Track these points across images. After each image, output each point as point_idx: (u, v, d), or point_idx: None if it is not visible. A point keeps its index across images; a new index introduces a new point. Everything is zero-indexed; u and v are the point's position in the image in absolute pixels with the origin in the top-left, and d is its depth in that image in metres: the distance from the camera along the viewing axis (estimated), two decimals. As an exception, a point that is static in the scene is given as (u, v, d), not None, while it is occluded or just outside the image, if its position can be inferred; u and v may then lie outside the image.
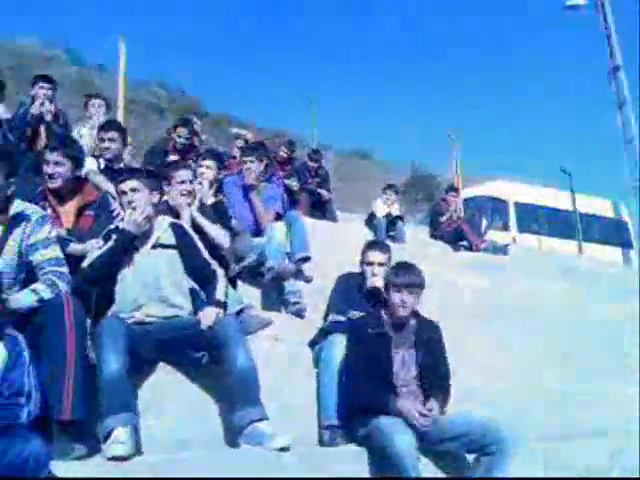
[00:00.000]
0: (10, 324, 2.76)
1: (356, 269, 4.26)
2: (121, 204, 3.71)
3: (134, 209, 3.55)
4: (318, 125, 16.95)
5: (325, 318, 3.93)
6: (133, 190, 3.62)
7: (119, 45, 7.12)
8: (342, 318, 3.66)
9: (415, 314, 3.60)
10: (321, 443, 3.57)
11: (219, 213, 4.88)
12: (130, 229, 3.51)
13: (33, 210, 3.23)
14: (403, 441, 3.05)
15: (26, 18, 50.91)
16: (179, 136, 7.29)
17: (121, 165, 5.13)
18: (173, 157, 6.78)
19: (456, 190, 10.30)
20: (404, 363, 3.47)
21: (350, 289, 3.94)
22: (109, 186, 4.49)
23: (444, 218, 9.32)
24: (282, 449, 3.05)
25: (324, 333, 3.73)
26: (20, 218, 3.15)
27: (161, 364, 3.50)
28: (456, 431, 3.28)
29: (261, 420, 3.12)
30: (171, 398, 3.43)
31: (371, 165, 30.48)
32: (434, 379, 3.47)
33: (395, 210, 9.13)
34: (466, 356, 4.64)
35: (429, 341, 3.54)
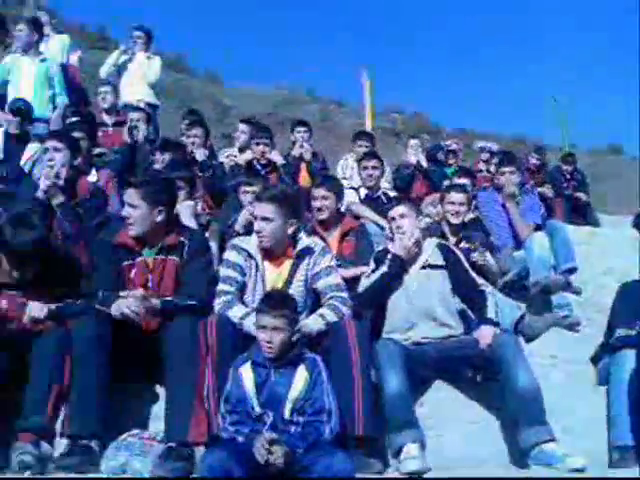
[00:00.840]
0: (305, 347, 3.05)
1: (640, 277, 3.93)
2: (390, 229, 3.89)
3: (403, 234, 3.70)
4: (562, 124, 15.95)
5: (609, 332, 3.67)
6: (402, 216, 3.79)
7: (361, 78, 7.49)
8: (632, 332, 3.39)
9: None
10: (611, 464, 3.33)
11: (477, 229, 4.88)
12: (401, 254, 3.66)
13: (315, 243, 3.55)
14: None
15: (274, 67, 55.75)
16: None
17: (379, 193, 5.45)
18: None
19: None
20: None
21: (637, 299, 3.64)
22: (371, 214, 4.82)
23: None
24: (577, 470, 2.91)
25: (610, 348, 3.49)
26: (305, 251, 3.47)
27: (437, 382, 3.57)
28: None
29: (549, 441, 3.02)
30: (450, 416, 3.47)
31: (621, 162, 27.83)
32: None
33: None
34: None
35: None
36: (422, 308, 3.59)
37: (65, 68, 6.83)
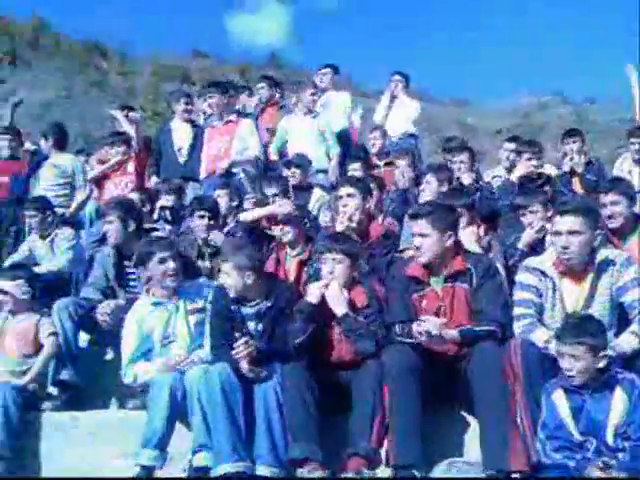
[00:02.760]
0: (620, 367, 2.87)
1: None
2: None
3: None
4: None
5: None
6: None
7: (628, 71, 6.87)
8: None
9: None
10: None
11: None
12: None
13: (616, 254, 3.34)
14: None
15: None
16: None
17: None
18: None
19: None
20: None
21: None
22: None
23: None
24: None
25: None
26: (606, 264, 3.28)
27: None
28: None
29: None
30: None
31: None
32: None
33: None
34: None
35: None
36: None
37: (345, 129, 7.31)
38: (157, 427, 3.38)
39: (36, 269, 4.84)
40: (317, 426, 3.28)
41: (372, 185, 4.93)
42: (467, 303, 3.43)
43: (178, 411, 3.43)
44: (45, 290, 4.41)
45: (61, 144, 6.34)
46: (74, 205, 6.05)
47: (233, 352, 3.40)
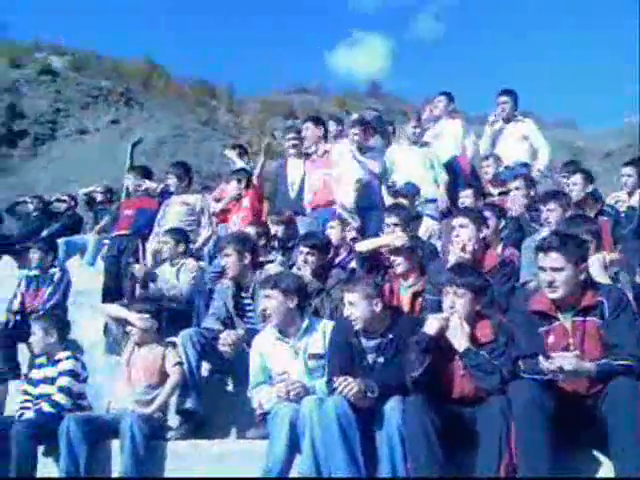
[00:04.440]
0: None
1: None
2: None
3: None
4: None
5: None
6: None
7: None
8: None
9: None
10: None
11: None
12: None
13: None
14: None
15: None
16: None
17: None
18: None
19: None
20: None
21: None
22: None
23: None
24: None
25: None
26: None
27: None
28: None
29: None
30: None
31: None
32: None
33: None
34: None
35: None
36: None
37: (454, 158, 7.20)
38: (278, 457, 3.40)
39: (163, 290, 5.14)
40: (439, 462, 3.18)
41: (488, 213, 4.80)
42: (599, 338, 3.24)
43: (298, 441, 3.43)
44: (170, 320, 4.60)
45: (189, 183, 6.64)
46: (200, 240, 6.27)
47: (337, 390, 3.37)
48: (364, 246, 4.94)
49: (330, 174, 6.56)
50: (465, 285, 3.45)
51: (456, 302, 3.45)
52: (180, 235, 5.68)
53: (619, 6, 53.76)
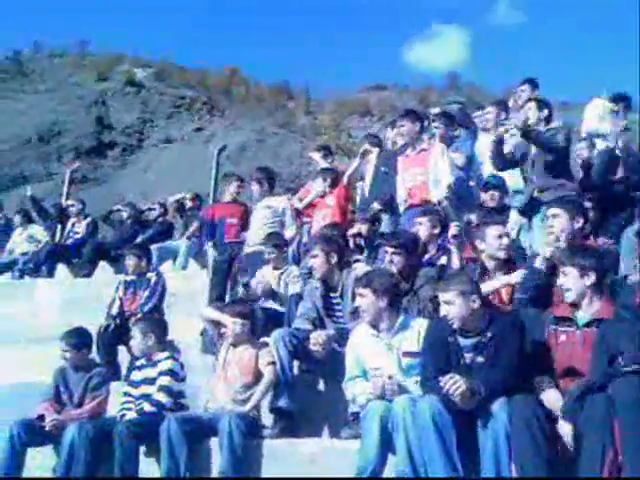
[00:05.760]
0: None
1: None
2: None
3: None
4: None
5: None
6: None
7: None
8: None
9: None
10: None
11: None
12: None
13: None
14: None
15: None
16: None
17: None
18: None
19: None
20: None
21: None
22: None
23: None
24: None
25: None
26: None
27: None
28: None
29: None
30: None
31: None
32: None
33: None
34: None
35: None
36: None
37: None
38: (370, 456, 3.37)
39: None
40: (546, 461, 3.08)
41: (589, 204, 4.60)
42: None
43: (390, 439, 3.38)
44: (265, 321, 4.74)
45: (272, 186, 6.81)
46: (284, 241, 6.46)
47: (444, 390, 3.26)
48: (489, 287, 4.27)
49: (426, 174, 6.16)
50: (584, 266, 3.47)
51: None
52: (280, 241, 5.84)
53: None
